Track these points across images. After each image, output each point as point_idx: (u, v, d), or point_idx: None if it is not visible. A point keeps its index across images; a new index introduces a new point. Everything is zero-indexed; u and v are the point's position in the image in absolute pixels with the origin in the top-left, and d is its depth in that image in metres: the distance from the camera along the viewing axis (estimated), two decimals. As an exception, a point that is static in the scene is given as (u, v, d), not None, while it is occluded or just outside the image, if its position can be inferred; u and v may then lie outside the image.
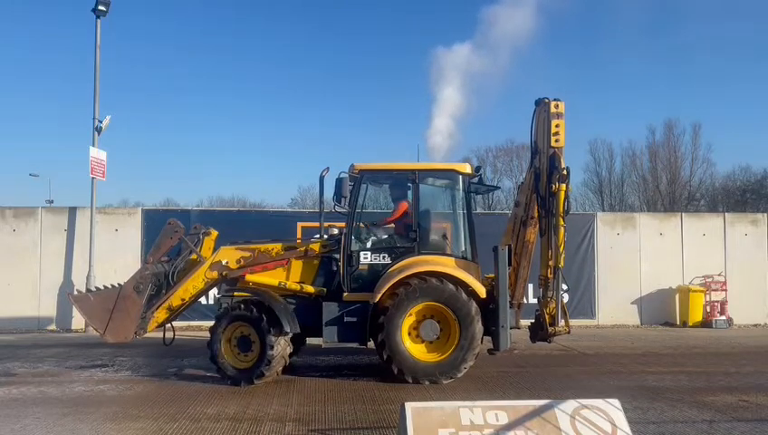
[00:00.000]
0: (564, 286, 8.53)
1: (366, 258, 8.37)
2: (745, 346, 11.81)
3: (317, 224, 14.40)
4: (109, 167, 14.52)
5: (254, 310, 7.94)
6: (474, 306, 7.90)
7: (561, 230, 8.15)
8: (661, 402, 7.06)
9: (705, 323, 14.81)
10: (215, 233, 9.24)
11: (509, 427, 4.25)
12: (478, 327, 7.91)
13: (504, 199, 51.09)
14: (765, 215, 16.15)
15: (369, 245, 8.59)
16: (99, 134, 14.40)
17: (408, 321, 7.97)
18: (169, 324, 8.73)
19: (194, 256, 8.69)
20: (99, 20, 14.51)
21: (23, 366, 9.41)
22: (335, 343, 8.20)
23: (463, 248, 8.51)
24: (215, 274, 8.45)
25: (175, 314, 8.61)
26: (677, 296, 15.22)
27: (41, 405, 6.97)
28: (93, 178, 14.03)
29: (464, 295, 7.89)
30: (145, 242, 13.93)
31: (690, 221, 15.86)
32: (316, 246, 8.65)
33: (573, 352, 10.83)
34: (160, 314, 8.41)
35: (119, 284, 8.48)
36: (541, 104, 8.56)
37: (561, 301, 8.34)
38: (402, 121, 67.94)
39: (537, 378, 8.41)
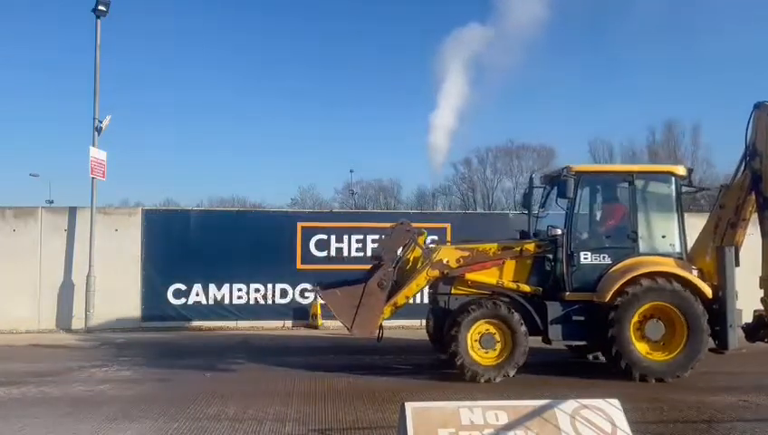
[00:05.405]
0: None
1: (586, 259, 8.53)
2: (746, 346, 11.77)
3: (318, 224, 14.47)
4: (109, 167, 14.55)
5: (513, 311, 8.21)
6: (701, 307, 8.08)
7: None
8: (661, 402, 7.06)
9: (706, 323, 14.75)
10: (425, 233, 9.46)
11: (509, 427, 4.24)
12: (706, 327, 8.07)
13: (503, 199, 51.19)
14: (765, 215, 16.09)
15: (589, 245, 8.70)
16: (99, 134, 14.41)
17: (633, 320, 8.13)
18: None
19: (413, 255, 8.86)
20: (99, 20, 14.51)
21: (23, 366, 9.40)
22: (559, 341, 8.50)
23: (678, 249, 8.68)
24: (436, 272, 8.63)
25: (397, 310, 8.84)
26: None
27: (41, 405, 6.97)
28: (93, 178, 14.03)
29: (692, 296, 8.08)
30: (145, 242, 13.93)
31: (690, 221, 15.75)
32: (531, 247, 8.83)
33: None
34: (387, 311, 8.58)
35: (363, 280, 8.52)
36: (762, 107, 8.68)
37: None
38: (404, 118, 68.07)
39: (537, 378, 8.41)
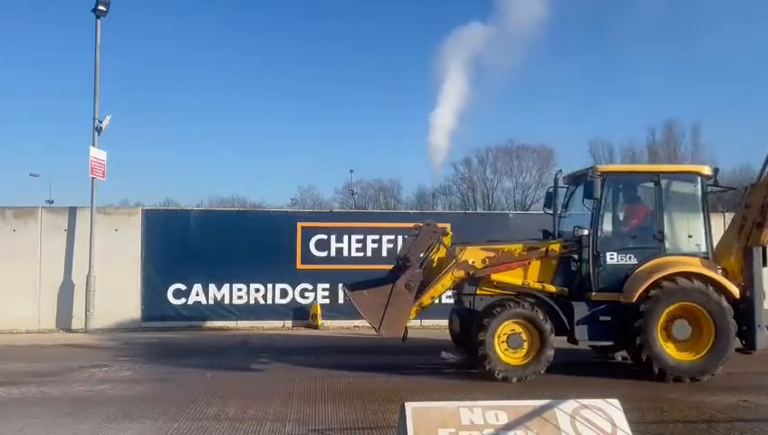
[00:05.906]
0: None
1: (612, 259, 8.55)
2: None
3: (318, 224, 14.47)
4: (109, 167, 14.54)
5: (539, 310, 8.24)
6: (728, 306, 8.09)
7: None
8: (661, 402, 7.06)
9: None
10: (450, 234, 9.48)
11: (509, 427, 4.23)
12: (733, 327, 8.08)
13: (503, 199, 51.21)
14: (765, 215, 16.06)
15: (615, 245, 8.72)
16: (99, 134, 14.40)
17: (660, 320, 8.15)
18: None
19: (438, 256, 8.88)
20: (99, 20, 14.51)
21: (23, 366, 9.40)
22: (586, 341, 8.52)
23: (704, 249, 8.70)
24: (462, 273, 8.64)
25: (422, 311, 8.85)
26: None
27: (41, 405, 6.98)
28: (93, 178, 14.03)
29: (719, 296, 8.10)
30: (145, 242, 13.93)
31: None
32: (557, 247, 8.84)
33: (574, 352, 10.81)
34: (412, 312, 8.57)
35: (390, 281, 8.48)
36: None
37: None
38: (404, 118, 68.11)
39: (537, 378, 8.40)
